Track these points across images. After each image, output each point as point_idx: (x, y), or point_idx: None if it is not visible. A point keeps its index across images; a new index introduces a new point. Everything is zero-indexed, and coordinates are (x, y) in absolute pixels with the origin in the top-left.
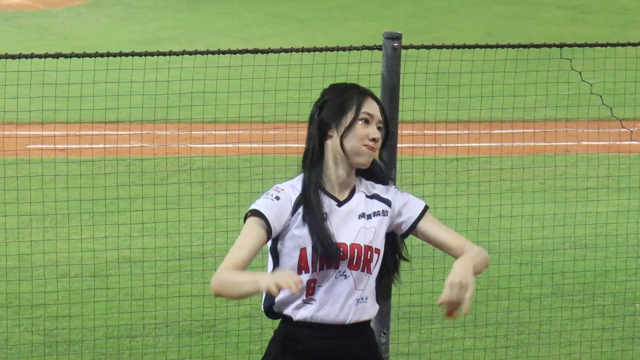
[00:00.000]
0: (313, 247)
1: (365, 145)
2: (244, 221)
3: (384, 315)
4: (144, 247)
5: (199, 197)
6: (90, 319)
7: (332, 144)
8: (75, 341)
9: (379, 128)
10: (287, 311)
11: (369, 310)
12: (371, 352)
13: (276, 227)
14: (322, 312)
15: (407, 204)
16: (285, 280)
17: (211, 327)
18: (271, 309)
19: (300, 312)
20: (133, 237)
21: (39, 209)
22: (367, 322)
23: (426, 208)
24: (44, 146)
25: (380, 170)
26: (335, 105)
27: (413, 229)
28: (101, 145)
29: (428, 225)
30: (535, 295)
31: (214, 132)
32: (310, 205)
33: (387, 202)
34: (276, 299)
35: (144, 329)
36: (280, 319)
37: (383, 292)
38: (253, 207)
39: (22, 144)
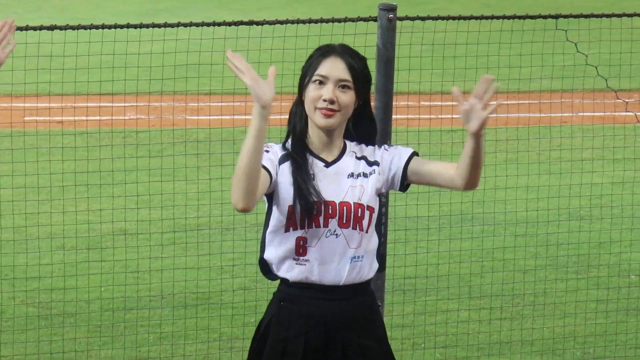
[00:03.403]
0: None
1: (317, 108)
2: None
3: (378, 287)
4: (139, 219)
5: (194, 169)
6: (85, 292)
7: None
8: (70, 313)
9: (343, 87)
10: (282, 273)
11: (365, 270)
12: (368, 313)
13: (272, 172)
14: (315, 272)
15: (394, 157)
16: (266, 89)
17: (206, 299)
18: (268, 268)
19: (294, 273)
20: (128, 209)
21: (34, 181)
22: (364, 283)
23: (414, 153)
24: (39, 118)
25: (361, 137)
26: (303, 69)
27: (405, 176)
28: (96, 118)
29: (417, 164)
30: (530, 267)
31: (209, 104)
32: (295, 165)
33: (376, 164)
34: (266, 256)
35: (139, 301)
36: (279, 281)
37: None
38: None
39: (18, 116)
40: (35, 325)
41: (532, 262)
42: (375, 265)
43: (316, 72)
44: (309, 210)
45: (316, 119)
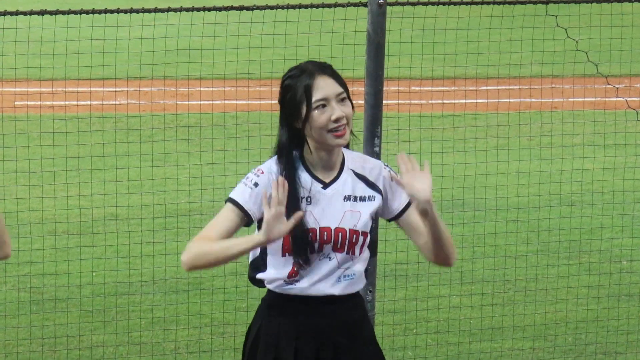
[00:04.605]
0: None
1: (330, 131)
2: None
3: (370, 272)
4: (131, 204)
5: (185, 154)
6: (77, 277)
7: (305, 132)
8: (62, 299)
9: (342, 100)
10: (272, 287)
11: (356, 284)
12: (357, 317)
13: (255, 213)
14: (305, 289)
15: (396, 191)
16: (278, 229)
17: (198, 284)
18: (258, 283)
19: (285, 289)
20: (119, 194)
21: (25, 165)
22: (355, 293)
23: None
24: (29, 103)
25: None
26: (290, 100)
27: (400, 216)
28: (87, 102)
29: (414, 213)
30: (521, 253)
31: (200, 89)
32: (288, 193)
33: (377, 190)
34: (259, 277)
35: (131, 286)
36: (267, 288)
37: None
38: (231, 195)
39: (8, 101)
40: (27, 310)
41: (524, 248)
42: (364, 280)
43: (314, 100)
44: (304, 239)
45: (330, 141)
